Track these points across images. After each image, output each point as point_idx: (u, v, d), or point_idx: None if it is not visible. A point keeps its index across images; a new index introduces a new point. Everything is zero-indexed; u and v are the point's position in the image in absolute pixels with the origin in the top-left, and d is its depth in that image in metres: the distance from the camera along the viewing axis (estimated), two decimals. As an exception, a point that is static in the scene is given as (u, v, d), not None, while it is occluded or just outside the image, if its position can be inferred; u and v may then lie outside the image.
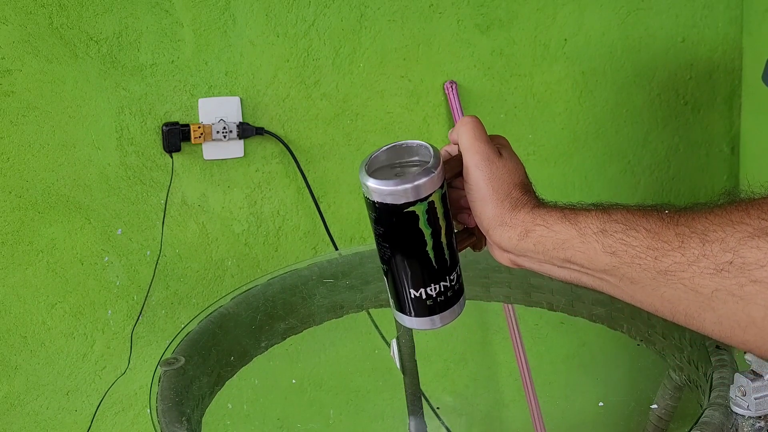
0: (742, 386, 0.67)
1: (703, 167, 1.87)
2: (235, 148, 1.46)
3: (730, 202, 0.59)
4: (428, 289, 0.68)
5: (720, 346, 0.78)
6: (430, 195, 0.65)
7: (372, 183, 0.64)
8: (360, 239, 1.58)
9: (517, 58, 1.63)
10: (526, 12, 1.62)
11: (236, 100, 1.45)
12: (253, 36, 1.44)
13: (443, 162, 0.67)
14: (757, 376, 0.67)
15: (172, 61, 1.40)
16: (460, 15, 1.58)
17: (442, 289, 0.68)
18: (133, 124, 1.39)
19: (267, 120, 1.48)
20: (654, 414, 0.89)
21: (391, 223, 0.65)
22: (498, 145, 0.72)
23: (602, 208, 0.66)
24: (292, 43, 1.47)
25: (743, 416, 0.67)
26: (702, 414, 0.67)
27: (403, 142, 0.69)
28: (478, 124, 0.71)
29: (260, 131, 1.46)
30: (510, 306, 1.21)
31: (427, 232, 0.66)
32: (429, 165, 0.65)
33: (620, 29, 1.71)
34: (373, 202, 0.65)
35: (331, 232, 1.53)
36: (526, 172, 0.73)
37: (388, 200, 0.64)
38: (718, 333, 0.57)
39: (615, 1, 1.69)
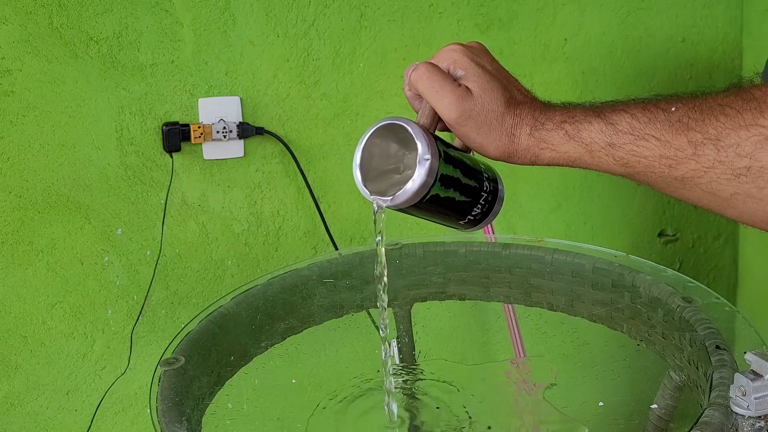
0: (742, 386, 0.67)
1: (703, 167, 1.86)
2: (235, 148, 1.46)
3: (738, 94, 0.57)
4: (472, 213, 0.71)
5: (720, 346, 0.78)
6: (437, 175, 0.65)
7: (383, 201, 0.66)
8: (360, 239, 1.58)
9: (517, 58, 1.63)
10: (526, 12, 1.63)
11: (236, 100, 1.45)
12: (253, 36, 1.44)
13: (428, 135, 0.66)
14: (757, 376, 0.67)
15: (172, 61, 1.40)
16: (460, 15, 1.58)
17: (483, 203, 0.72)
18: (133, 124, 1.39)
19: (267, 120, 1.48)
20: (654, 414, 0.89)
21: (418, 208, 0.68)
22: (463, 75, 0.68)
23: (604, 117, 0.63)
24: (292, 43, 1.47)
25: (743, 416, 0.67)
26: (702, 414, 0.67)
27: (376, 126, 0.68)
28: (431, 72, 0.67)
29: (260, 131, 1.46)
30: (510, 306, 1.22)
31: (450, 192, 0.68)
32: (421, 154, 0.65)
33: (620, 29, 1.71)
34: (393, 207, 0.67)
35: (331, 232, 1.53)
36: (505, 82, 0.69)
37: (406, 203, 0.66)
38: (741, 221, 0.58)
39: (615, 1, 1.69)
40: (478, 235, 1.63)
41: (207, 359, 0.91)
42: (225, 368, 0.94)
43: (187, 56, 1.40)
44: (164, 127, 1.40)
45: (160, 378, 0.83)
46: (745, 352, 0.69)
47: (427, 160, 0.65)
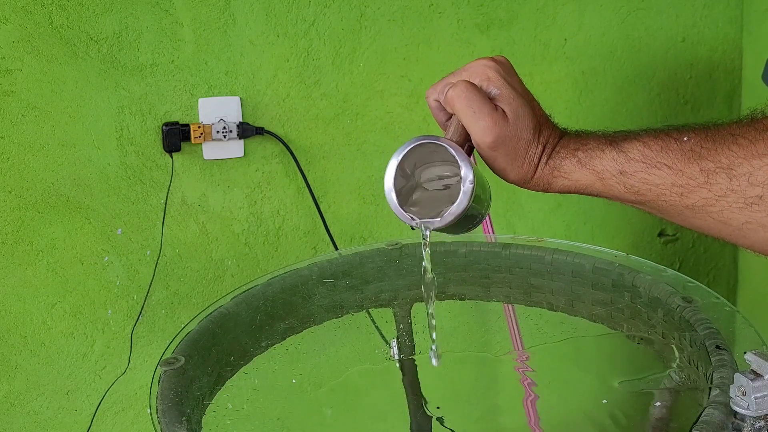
0: (742, 386, 0.67)
1: (703, 167, 1.87)
2: (235, 148, 1.46)
3: (751, 124, 0.57)
4: (477, 219, 0.74)
5: (720, 346, 0.78)
6: (474, 194, 0.67)
7: (432, 224, 0.68)
8: (360, 239, 1.58)
9: (517, 58, 1.63)
10: (526, 12, 1.63)
11: (236, 99, 1.45)
12: (253, 36, 1.44)
13: (467, 156, 0.66)
14: (757, 376, 0.67)
15: (172, 61, 1.40)
16: (460, 15, 1.58)
17: (486, 209, 0.75)
18: (133, 124, 1.39)
19: (267, 120, 1.48)
20: (654, 414, 0.89)
21: (456, 223, 0.69)
22: (498, 96, 0.67)
23: (616, 145, 0.63)
24: (292, 43, 1.47)
25: (743, 416, 0.67)
26: (702, 413, 0.67)
27: (406, 148, 0.68)
28: (470, 91, 0.66)
29: (260, 131, 1.46)
30: (510, 306, 1.22)
31: (475, 209, 0.70)
32: (465, 178, 0.65)
33: (620, 29, 1.71)
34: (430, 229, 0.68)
35: (331, 232, 1.53)
36: (533, 106, 0.69)
37: (446, 225, 0.68)
38: (753, 250, 0.58)
39: (615, 1, 1.69)
40: (478, 235, 1.63)
41: (207, 359, 0.91)
42: (225, 368, 0.94)
43: (187, 56, 1.40)
44: (164, 127, 1.40)
45: (160, 378, 0.82)
46: (745, 352, 0.69)
47: (471, 183, 0.65)
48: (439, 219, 0.67)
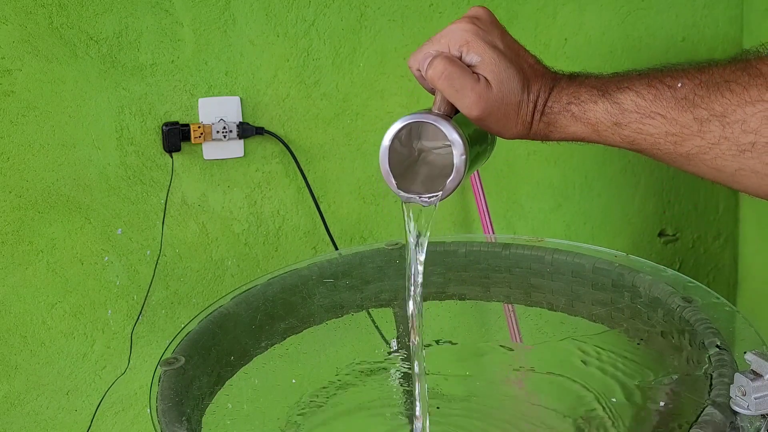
0: (742, 386, 0.67)
1: (703, 167, 1.86)
2: (235, 148, 1.46)
3: (745, 69, 0.57)
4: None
5: (720, 346, 0.78)
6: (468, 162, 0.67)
7: (431, 200, 0.68)
8: (360, 239, 1.58)
9: (517, 58, 1.63)
10: (527, 12, 1.63)
11: (236, 99, 1.45)
12: (253, 36, 1.44)
13: (457, 129, 0.66)
14: (757, 375, 0.67)
15: (172, 61, 1.40)
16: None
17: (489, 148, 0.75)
18: (133, 124, 1.39)
19: (267, 120, 1.48)
20: (654, 413, 0.89)
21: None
22: (476, 62, 0.66)
23: (610, 96, 0.63)
24: (292, 43, 1.47)
25: (743, 416, 0.67)
26: (702, 413, 0.67)
27: (396, 128, 0.69)
28: (449, 68, 0.65)
29: (260, 131, 1.46)
30: (510, 306, 1.22)
31: (475, 166, 0.70)
32: (457, 155, 0.66)
33: (620, 29, 1.71)
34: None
35: (331, 232, 1.53)
36: (520, 60, 0.67)
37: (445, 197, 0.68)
38: (747, 193, 0.59)
39: (615, 1, 1.69)
40: (478, 235, 1.63)
41: (207, 359, 0.91)
42: (225, 368, 0.94)
43: (187, 56, 1.41)
44: (164, 127, 1.40)
45: (160, 378, 0.83)
46: (745, 352, 0.69)
47: (463, 156, 0.66)
48: (437, 195, 0.68)
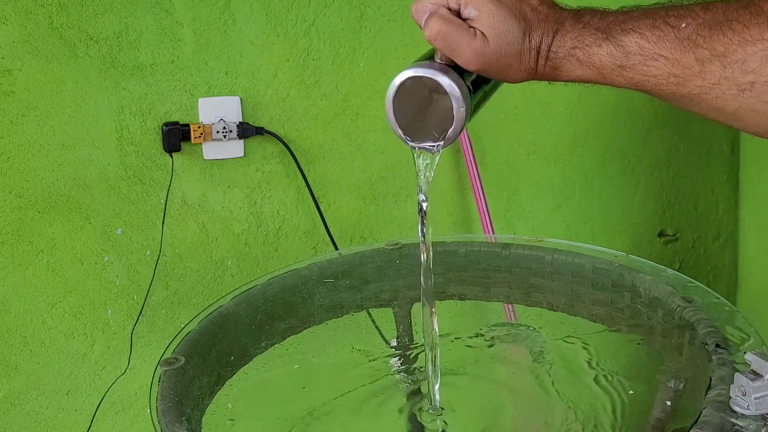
0: (742, 386, 0.67)
1: (703, 167, 1.87)
2: (235, 148, 1.46)
3: (747, 6, 0.58)
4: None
5: (720, 345, 0.78)
6: (469, 110, 0.69)
7: (438, 146, 0.70)
8: (360, 239, 1.58)
9: (517, 58, 1.63)
10: (526, 12, 1.62)
11: (236, 99, 1.45)
12: (253, 36, 1.44)
13: (457, 79, 0.67)
14: (757, 376, 0.67)
15: (172, 61, 1.40)
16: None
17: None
18: (133, 124, 1.39)
19: (267, 120, 1.48)
20: (652, 414, 0.89)
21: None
22: (474, 16, 0.66)
23: (614, 39, 0.63)
24: (292, 43, 1.47)
25: (743, 416, 0.67)
26: (702, 413, 0.67)
27: (396, 85, 0.72)
28: (444, 28, 0.66)
29: (260, 131, 1.46)
30: (510, 306, 1.22)
31: (479, 108, 0.72)
32: (457, 108, 0.67)
33: (620, 29, 1.71)
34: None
35: (331, 232, 1.53)
36: (521, 16, 0.67)
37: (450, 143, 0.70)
38: (747, 132, 0.61)
39: (615, 1, 1.69)
40: (478, 235, 1.63)
41: (207, 359, 0.91)
42: (225, 368, 0.94)
43: (187, 56, 1.41)
44: (164, 127, 1.40)
45: (160, 378, 0.83)
46: (745, 352, 0.69)
47: (462, 108, 0.67)
48: (440, 144, 0.70)
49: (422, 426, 0.94)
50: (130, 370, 1.46)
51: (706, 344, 0.80)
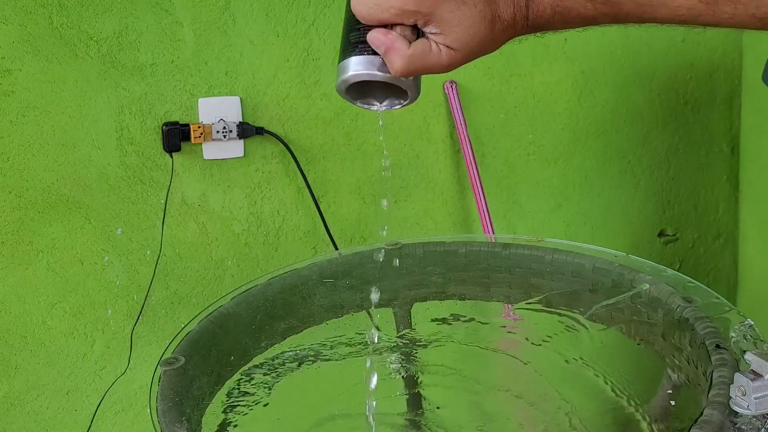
0: (742, 386, 0.67)
1: (703, 167, 1.87)
2: (235, 148, 1.46)
3: None
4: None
5: (720, 345, 0.78)
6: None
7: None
8: (360, 239, 1.58)
9: (517, 58, 1.63)
10: (526, 12, 1.62)
11: (236, 99, 1.45)
12: (253, 36, 1.44)
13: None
14: (757, 376, 0.67)
15: (172, 61, 1.40)
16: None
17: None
18: (133, 124, 1.39)
19: (267, 120, 1.48)
20: (652, 414, 0.89)
21: None
22: (437, 31, 0.62)
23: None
24: (292, 43, 1.47)
25: (743, 416, 0.67)
26: (702, 413, 0.67)
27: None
28: (404, 59, 0.62)
29: (260, 131, 1.46)
30: (510, 306, 1.22)
31: None
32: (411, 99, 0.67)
33: (620, 29, 1.70)
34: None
35: (331, 232, 1.53)
36: (485, 7, 0.62)
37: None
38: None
39: None
40: (478, 235, 1.63)
41: (207, 359, 0.91)
42: (225, 368, 0.94)
43: (187, 56, 1.40)
44: (164, 127, 1.40)
45: (160, 378, 0.83)
46: (745, 352, 0.69)
47: (416, 95, 0.67)
48: (390, 106, 0.71)
49: (424, 424, 0.94)
50: (130, 370, 1.45)
51: (706, 344, 0.80)
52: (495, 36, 0.63)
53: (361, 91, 0.69)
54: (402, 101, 0.69)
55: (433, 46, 0.61)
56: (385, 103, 0.71)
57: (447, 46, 0.61)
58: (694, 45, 1.77)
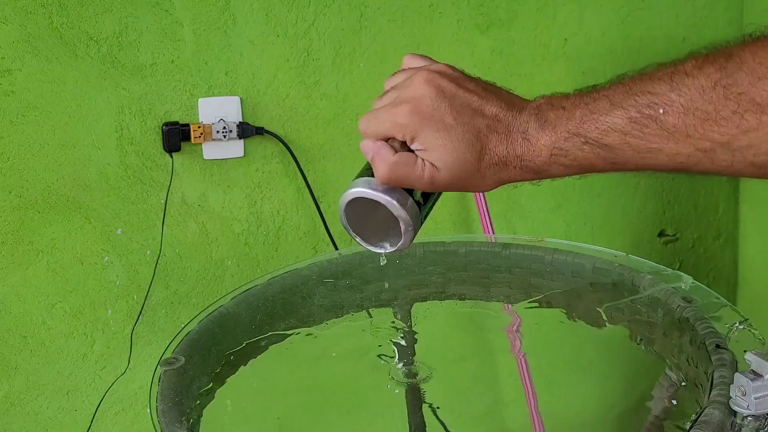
0: (742, 386, 0.67)
1: (703, 167, 1.86)
2: (235, 148, 1.46)
3: (723, 93, 0.55)
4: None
5: (720, 345, 0.78)
6: (418, 224, 0.68)
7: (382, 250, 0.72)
8: (360, 239, 1.58)
9: (517, 58, 1.63)
10: (526, 12, 1.63)
11: (236, 99, 1.45)
12: (253, 36, 1.44)
13: (405, 206, 0.67)
14: (757, 376, 0.67)
15: (172, 61, 1.40)
16: (460, 15, 1.58)
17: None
18: (133, 124, 1.39)
19: (267, 120, 1.48)
20: (652, 413, 0.89)
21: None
22: (418, 146, 0.64)
23: (594, 140, 0.59)
24: (292, 43, 1.47)
25: (743, 416, 0.67)
26: (701, 413, 0.67)
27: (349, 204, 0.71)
28: (389, 168, 0.64)
29: (260, 131, 1.46)
30: (510, 306, 1.22)
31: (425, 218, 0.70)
32: (405, 229, 0.68)
33: (620, 29, 1.71)
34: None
35: (331, 232, 1.53)
36: (480, 123, 0.63)
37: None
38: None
39: (615, 1, 1.69)
40: (478, 235, 1.63)
41: (207, 359, 0.91)
42: (225, 368, 0.94)
43: (187, 56, 1.40)
44: (164, 127, 1.40)
45: (160, 378, 0.83)
46: (745, 352, 0.69)
47: (411, 229, 0.68)
48: (390, 250, 0.72)
49: (424, 424, 0.94)
50: (130, 370, 1.45)
51: (706, 344, 0.80)
52: (483, 170, 0.64)
53: (363, 223, 0.73)
54: (398, 240, 0.69)
55: (418, 160, 0.64)
56: (381, 245, 0.73)
57: (431, 163, 0.64)
58: (694, 45, 1.77)
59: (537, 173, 0.63)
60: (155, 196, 1.43)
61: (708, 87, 0.56)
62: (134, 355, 1.45)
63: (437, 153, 0.63)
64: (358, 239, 0.73)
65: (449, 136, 0.63)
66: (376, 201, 0.67)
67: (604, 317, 1.02)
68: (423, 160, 0.64)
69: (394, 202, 0.66)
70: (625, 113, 0.58)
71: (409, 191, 0.66)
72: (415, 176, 0.64)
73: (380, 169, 0.64)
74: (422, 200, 0.67)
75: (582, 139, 0.60)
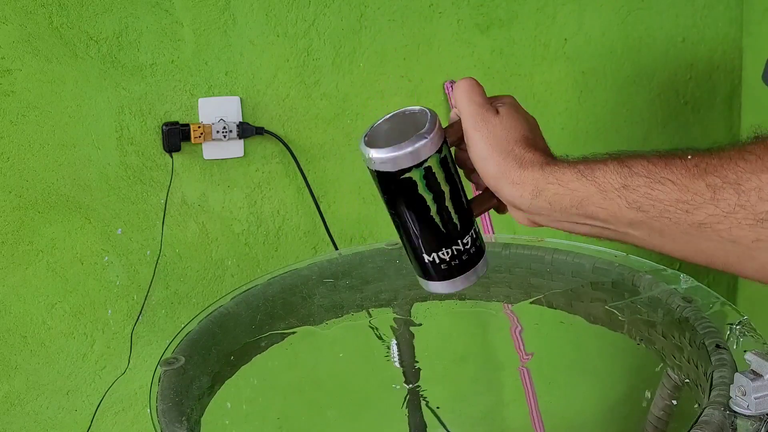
0: (742, 386, 0.67)
1: (703, 167, 1.86)
2: (235, 148, 1.46)
3: (757, 142, 0.54)
4: (440, 253, 0.67)
5: (720, 345, 0.78)
6: (426, 160, 0.64)
7: (367, 151, 0.64)
8: (360, 239, 1.58)
9: (517, 58, 1.63)
10: (526, 12, 1.62)
11: (236, 99, 1.45)
12: (253, 36, 1.44)
13: (445, 127, 0.66)
14: (757, 376, 0.67)
15: (172, 61, 1.40)
16: (460, 15, 1.58)
17: (455, 253, 0.68)
18: (133, 124, 1.39)
19: (267, 120, 1.48)
20: (652, 413, 0.89)
21: (390, 190, 0.65)
22: (499, 103, 0.69)
23: (620, 160, 0.60)
24: (292, 43, 1.47)
25: (743, 416, 0.67)
26: (702, 413, 0.67)
27: (404, 109, 0.68)
28: (472, 85, 0.69)
29: (260, 131, 1.46)
30: (510, 306, 1.22)
31: (428, 198, 0.65)
32: (422, 131, 0.64)
33: (620, 29, 1.71)
34: (371, 170, 0.65)
35: (331, 232, 1.53)
36: (533, 128, 0.69)
37: (385, 167, 0.64)
38: (759, 278, 0.57)
39: (615, 1, 1.69)
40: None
41: (207, 359, 0.91)
42: (225, 368, 0.94)
43: (187, 56, 1.40)
44: (164, 127, 1.40)
45: (160, 378, 0.83)
46: (745, 352, 0.69)
47: (425, 138, 0.63)
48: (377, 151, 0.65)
49: (424, 424, 0.94)
50: (130, 370, 1.45)
51: (706, 344, 0.80)
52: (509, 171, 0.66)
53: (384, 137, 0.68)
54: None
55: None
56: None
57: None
58: (694, 45, 1.77)
59: (547, 175, 0.65)
60: (155, 196, 1.43)
61: (746, 143, 0.56)
62: (134, 355, 1.45)
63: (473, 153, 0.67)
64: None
65: (486, 146, 0.67)
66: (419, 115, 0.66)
67: (604, 317, 1.02)
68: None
69: (433, 114, 0.66)
70: (657, 153, 0.61)
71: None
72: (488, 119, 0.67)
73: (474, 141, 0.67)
74: (448, 158, 0.66)
75: (611, 156, 0.63)
